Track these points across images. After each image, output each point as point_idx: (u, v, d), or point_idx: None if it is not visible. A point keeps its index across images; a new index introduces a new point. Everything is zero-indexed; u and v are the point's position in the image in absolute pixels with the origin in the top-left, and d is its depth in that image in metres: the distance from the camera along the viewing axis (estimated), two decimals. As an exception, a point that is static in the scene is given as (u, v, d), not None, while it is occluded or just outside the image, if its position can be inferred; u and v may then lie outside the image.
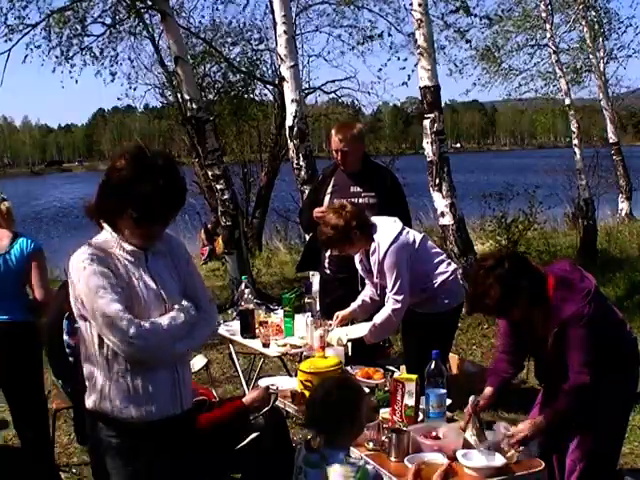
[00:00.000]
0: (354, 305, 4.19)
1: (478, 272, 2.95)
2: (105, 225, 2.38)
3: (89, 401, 2.38)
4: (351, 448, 2.58)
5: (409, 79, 11.33)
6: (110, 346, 2.27)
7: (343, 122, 5.18)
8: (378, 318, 3.97)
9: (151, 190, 2.23)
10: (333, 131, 4.65)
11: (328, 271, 4.71)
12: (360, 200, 4.46)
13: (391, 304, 3.91)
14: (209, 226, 14.05)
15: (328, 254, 4.64)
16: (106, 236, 2.37)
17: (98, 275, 2.25)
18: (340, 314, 4.17)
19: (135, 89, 12.14)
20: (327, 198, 4.65)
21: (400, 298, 3.89)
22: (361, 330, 4.03)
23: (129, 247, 2.34)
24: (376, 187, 4.55)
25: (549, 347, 2.96)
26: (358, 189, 4.56)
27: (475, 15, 9.41)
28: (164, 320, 2.30)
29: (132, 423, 2.32)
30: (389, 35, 11.22)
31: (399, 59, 10.65)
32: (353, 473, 2.37)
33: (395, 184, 4.74)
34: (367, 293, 4.19)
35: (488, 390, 3.19)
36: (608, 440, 3.10)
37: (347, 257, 4.20)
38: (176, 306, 2.36)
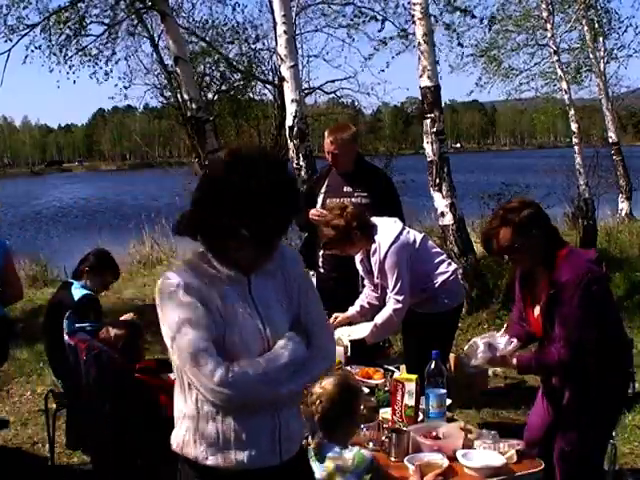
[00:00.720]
0: (352, 310, 4.20)
1: (498, 211, 3.03)
2: (202, 245, 1.98)
3: (174, 442, 2.04)
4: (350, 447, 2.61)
5: (387, 66, 11.56)
6: None
7: (337, 125, 5.25)
8: (379, 318, 3.98)
9: (270, 203, 1.86)
10: (326, 133, 4.73)
11: (322, 270, 4.76)
12: (352, 200, 4.49)
13: (392, 304, 3.92)
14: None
15: (322, 253, 4.68)
16: (202, 258, 1.97)
17: (185, 307, 1.88)
18: (338, 316, 4.17)
19: (127, 88, 12.10)
20: (320, 198, 4.73)
21: (401, 298, 3.89)
22: (362, 331, 4.03)
23: (229, 272, 1.95)
24: (369, 187, 4.59)
25: (541, 310, 2.99)
26: (350, 189, 4.61)
27: (474, 16, 9.43)
28: (260, 362, 1.90)
29: (219, 471, 1.97)
30: (382, 23, 11.31)
31: (386, 43, 10.81)
32: (350, 459, 2.42)
33: (388, 184, 4.80)
34: (365, 298, 4.19)
35: None
36: (599, 439, 3.11)
37: (341, 256, 4.21)
38: (280, 342, 1.96)
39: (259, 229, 1.88)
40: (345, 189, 4.62)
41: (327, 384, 2.58)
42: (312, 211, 4.60)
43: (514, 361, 3.04)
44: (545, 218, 3.05)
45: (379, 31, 11.84)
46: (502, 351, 3.05)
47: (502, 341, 3.07)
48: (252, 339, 1.93)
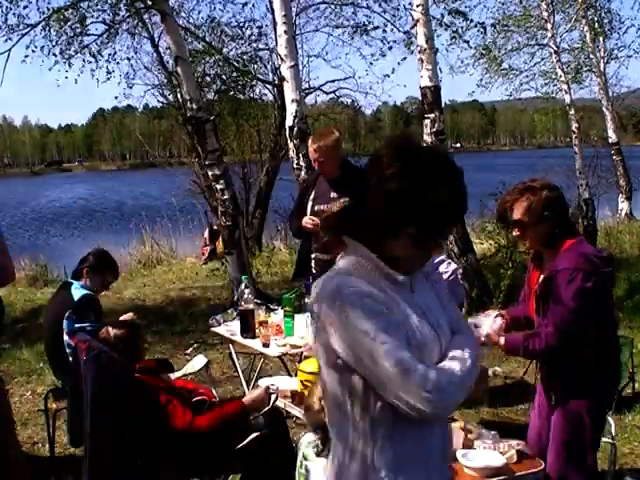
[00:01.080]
0: None
1: (518, 185, 3.07)
2: (360, 246, 1.83)
3: (339, 476, 1.82)
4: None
5: (393, 72, 11.53)
6: (379, 405, 1.73)
7: (320, 132, 5.22)
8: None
9: (443, 199, 1.77)
10: (309, 141, 4.74)
11: (315, 271, 4.79)
12: None
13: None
14: (215, 227, 14.05)
15: (314, 256, 4.75)
16: (365, 261, 1.81)
17: (374, 315, 1.69)
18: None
19: (131, 87, 12.03)
20: (309, 205, 4.78)
21: (400, 298, 3.90)
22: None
23: (398, 276, 1.80)
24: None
25: (534, 293, 3.00)
26: (336, 195, 4.64)
27: (471, 20, 9.43)
28: (454, 365, 1.77)
29: None
30: (384, 31, 11.26)
31: (390, 48, 10.81)
32: None
33: None
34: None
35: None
36: (596, 437, 3.11)
37: (334, 259, 4.23)
38: (456, 346, 1.85)
39: (429, 232, 1.79)
40: (332, 195, 4.66)
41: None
42: (305, 219, 4.65)
43: (502, 340, 3.03)
44: (562, 204, 3.05)
45: (381, 30, 11.79)
46: (486, 330, 3.05)
47: (486, 321, 3.07)
48: (431, 344, 1.79)
